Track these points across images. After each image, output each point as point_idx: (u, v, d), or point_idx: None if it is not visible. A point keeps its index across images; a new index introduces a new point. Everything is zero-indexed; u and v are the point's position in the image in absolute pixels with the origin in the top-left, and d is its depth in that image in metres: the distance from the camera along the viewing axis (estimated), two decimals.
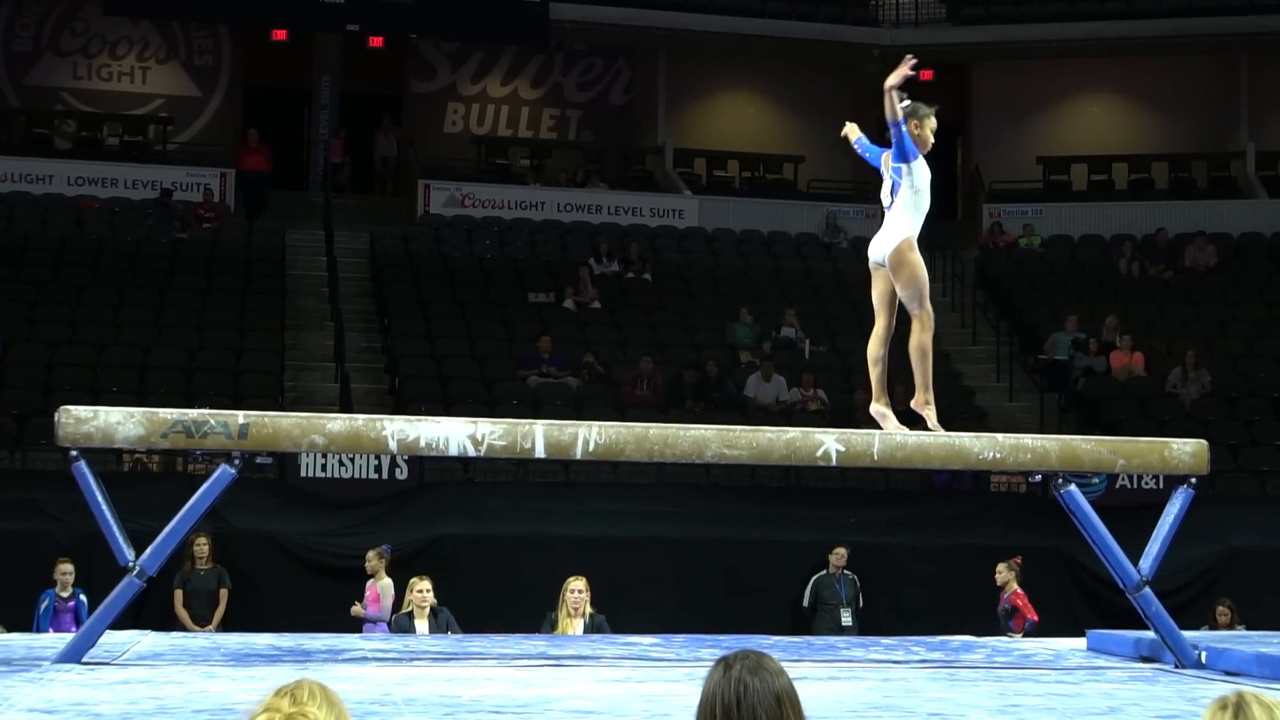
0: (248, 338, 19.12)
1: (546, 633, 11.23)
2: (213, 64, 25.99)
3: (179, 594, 13.39)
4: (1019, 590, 13.55)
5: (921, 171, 7.91)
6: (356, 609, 12.69)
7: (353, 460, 15.33)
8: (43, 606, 12.41)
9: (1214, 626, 13.43)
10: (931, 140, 8.03)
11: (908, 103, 7.94)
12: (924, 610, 14.63)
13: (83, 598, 12.24)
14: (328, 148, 24.77)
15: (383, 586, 12.77)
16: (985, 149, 26.66)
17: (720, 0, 25.58)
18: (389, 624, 12.29)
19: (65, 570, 12.42)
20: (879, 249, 8.04)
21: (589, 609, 11.41)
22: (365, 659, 8.08)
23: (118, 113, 25.17)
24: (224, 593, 13.51)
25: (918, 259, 7.96)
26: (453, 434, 7.67)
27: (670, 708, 6.04)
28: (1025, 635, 12.70)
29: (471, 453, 7.71)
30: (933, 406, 8.08)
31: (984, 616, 13.44)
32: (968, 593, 14.60)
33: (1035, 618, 13.32)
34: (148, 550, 7.54)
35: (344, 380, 18.05)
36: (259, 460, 13.93)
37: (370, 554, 13.03)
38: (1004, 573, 13.63)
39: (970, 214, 26.19)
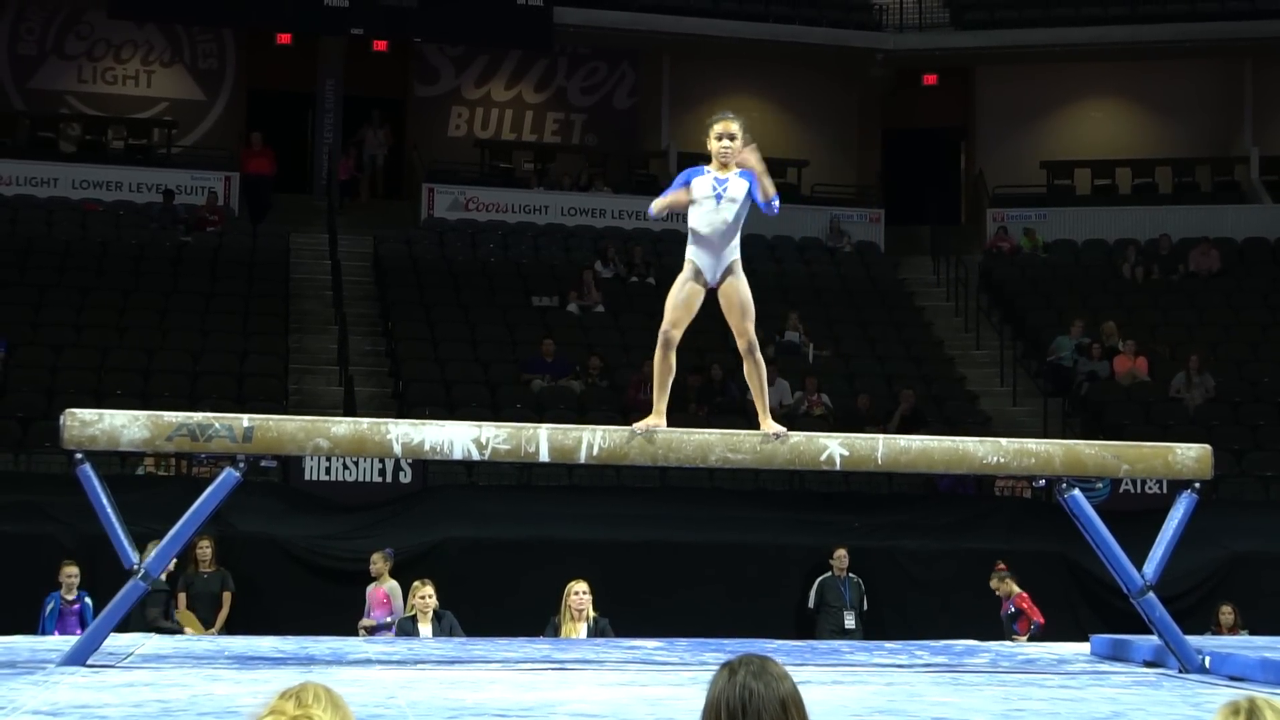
0: (252, 341, 19.12)
1: (550, 636, 11.23)
2: (217, 67, 26.02)
3: (182, 597, 13.40)
4: (1021, 593, 13.54)
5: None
6: (364, 627, 12.62)
7: (357, 464, 15.35)
8: (48, 609, 12.42)
9: (1218, 631, 13.43)
10: (717, 149, 7.65)
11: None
12: (927, 614, 14.63)
13: (88, 600, 12.25)
14: (332, 158, 24.77)
15: (390, 588, 12.79)
16: (989, 153, 26.64)
17: (724, 4, 25.60)
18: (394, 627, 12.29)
19: (70, 573, 12.43)
20: None
21: (592, 612, 11.41)
22: (369, 662, 8.08)
23: (122, 116, 25.20)
24: (227, 596, 13.52)
25: (676, 282, 7.83)
26: (457, 437, 7.66)
27: (674, 712, 6.03)
28: (1031, 639, 12.68)
29: (476, 456, 7.70)
30: (661, 417, 7.88)
31: (987, 620, 13.44)
32: (971, 597, 14.60)
33: (1041, 620, 13.29)
34: (152, 553, 7.55)
35: (348, 383, 18.06)
36: (263, 463, 13.93)
37: (375, 556, 13.03)
38: (996, 582, 13.77)
39: (974, 218, 26.16)
